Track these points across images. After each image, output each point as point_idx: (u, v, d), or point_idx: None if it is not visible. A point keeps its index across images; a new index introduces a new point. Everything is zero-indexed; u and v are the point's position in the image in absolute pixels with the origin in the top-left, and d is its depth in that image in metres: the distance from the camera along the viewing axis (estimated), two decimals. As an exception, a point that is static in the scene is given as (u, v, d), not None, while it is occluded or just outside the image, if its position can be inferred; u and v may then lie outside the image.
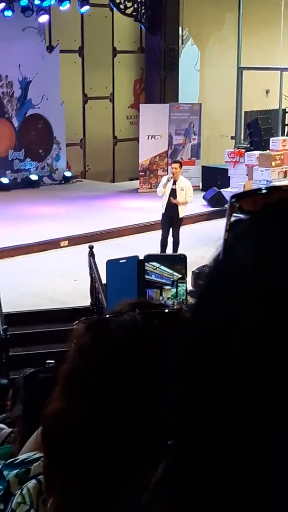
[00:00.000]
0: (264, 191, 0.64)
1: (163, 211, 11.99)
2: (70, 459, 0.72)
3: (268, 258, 0.59)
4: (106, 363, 0.84)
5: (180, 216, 11.98)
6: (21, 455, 1.11)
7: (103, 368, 0.83)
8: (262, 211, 0.63)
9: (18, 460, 1.05)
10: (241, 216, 0.66)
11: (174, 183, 11.92)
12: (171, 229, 11.92)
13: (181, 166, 12.34)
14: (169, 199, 11.87)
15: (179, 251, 11.62)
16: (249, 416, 0.56)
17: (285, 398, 0.55)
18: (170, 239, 11.95)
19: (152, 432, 0.74)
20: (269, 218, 0.62)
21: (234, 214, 0.66)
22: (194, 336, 0.63)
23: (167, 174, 16.33)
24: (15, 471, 1.03)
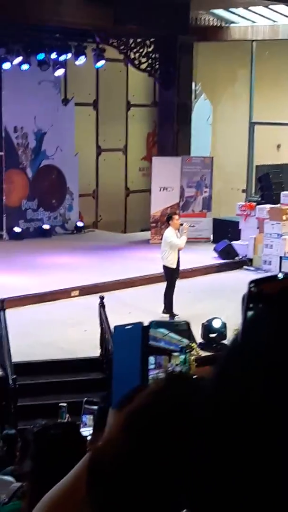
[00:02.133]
0: (280, 277, 0.68)
1: (175, 266, 12.09)
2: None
3: (282, 341, 0.64)
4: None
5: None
6: None
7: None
8: (278, 296, 0.67)
9: None
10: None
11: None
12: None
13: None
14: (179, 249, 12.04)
15: (182, 302, 11.65)
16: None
17: None
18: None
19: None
20: (285, 303, 0.66)
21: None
22: (215, 406, 0.67)
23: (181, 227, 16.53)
24: None
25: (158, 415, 0.71)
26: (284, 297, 0.67)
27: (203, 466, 0.63)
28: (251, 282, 0.70)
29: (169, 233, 12.13)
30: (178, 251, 12.07)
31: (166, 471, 0.64)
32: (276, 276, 0.69)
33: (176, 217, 12.47)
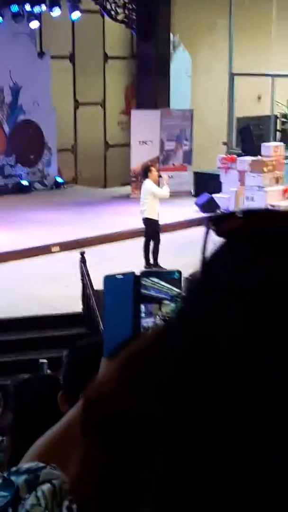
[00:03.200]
0: (239, 215, 0.68)
1: (157, 218, 12.05)
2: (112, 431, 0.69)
3: (244, 271, 0.65)
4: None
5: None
6: (22, 464, 1.11)
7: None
8: (237, 233, 0.67)
9: (23, 469, 1.06)
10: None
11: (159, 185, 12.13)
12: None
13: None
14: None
15: (165, 256, 11.64)
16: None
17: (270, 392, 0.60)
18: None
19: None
20: (244, 239, 0.66)
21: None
22: (181, 341, 0.66)
23: (159, 179, 16.36)
24: (23, 477, 1.04)
25: (155, 358, 0.71)
26: (245, 232, 0.67)
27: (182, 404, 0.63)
28: (209, 219, 0.71)
29: (150, 184, 12.02)
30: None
31: (163, 410, 0.63)
32: (234, 213, 0.69)
33: (154, 169, 12.36)
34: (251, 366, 0.61)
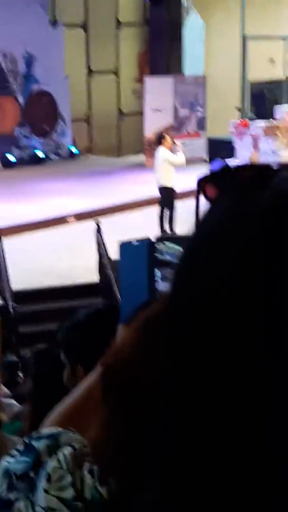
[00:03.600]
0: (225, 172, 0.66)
1: (173, 184, 12.00)
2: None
3: (236, 220, 0.60)
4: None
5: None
6: (42, 430, 1.12)
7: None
8: (228, 188, 0.65)
9: (44, 434, 1.07)
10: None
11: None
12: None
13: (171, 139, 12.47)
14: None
15: (180, 224, 11.64)
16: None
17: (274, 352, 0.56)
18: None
19: None
20: (235, 191, 0.63)
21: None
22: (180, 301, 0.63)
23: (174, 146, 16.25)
24: (43, 442, 1.04)
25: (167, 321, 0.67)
26: (235, 186, 0.64)
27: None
28: (199, 180, 0.68)
29: (164, 152, 11.97)
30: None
31: (174, 372, 0.62)
32: (221, 170, 0.66)
33: (168, 136, 12.28)
34: (260, 315, 0.56)
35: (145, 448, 0.62)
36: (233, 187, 0.64)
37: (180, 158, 11.91)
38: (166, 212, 11.92)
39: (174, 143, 12.15)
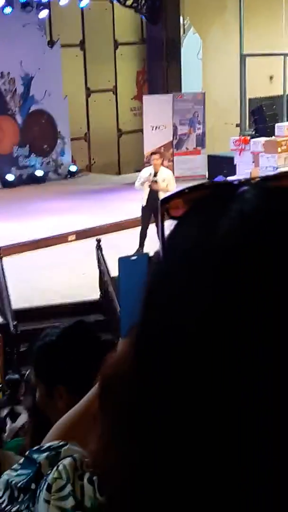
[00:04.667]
0: (186, 191, 0.66)
1: (144, 204, 11.90)
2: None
3: (205, 240, 0.59)
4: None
5: None
6: (44, 443, 1.13)
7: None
8: (188, 210, 0.64)
9: (44, 447, 1.08)
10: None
11: (155, 174, 11.86)
12: (151, 221, 11.85)
13: (160, 157, 12.31)
14: (150, 187, 11.81)
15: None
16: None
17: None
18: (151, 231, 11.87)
19: None
20: (198, 212, 0.63)
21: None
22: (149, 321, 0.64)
23: (171, 164, 16.30)
24: (44, 454, 1.06)
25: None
26: (197, 207, 0.64)
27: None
28: (162, 201, 0.68)
29: (142, 172, 12.03)
30: (152, 190, 11.79)
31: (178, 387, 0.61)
32: (183, 190, 0.67)
33: (155, 157, 12.21)
34: (225, 348, 0.56)
35: (142, 461, 0.62)
36: (194, 210, 0.64)
37: (136, 182, 12.03)
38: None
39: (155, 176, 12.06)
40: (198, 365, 0.57)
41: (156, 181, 11.75)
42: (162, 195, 11.72)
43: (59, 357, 2.38)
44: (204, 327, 0.57)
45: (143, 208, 11.90)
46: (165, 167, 12.68)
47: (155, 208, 11.72)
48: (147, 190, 11.82)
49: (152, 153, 12.44)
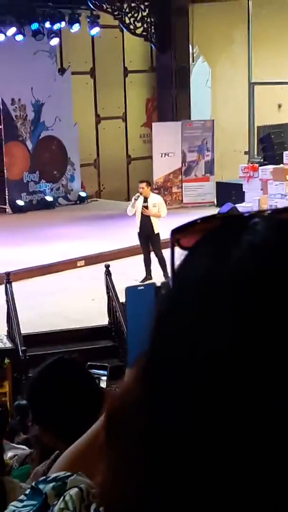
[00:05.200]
0: (199, 221, 0.66)
1: (138, 231, 12.02)
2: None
3: (214, 271, 0.60)
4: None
5: (156, 232, 11.79)
6: (50, 473, 1.13)
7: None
8: (200, 241, 0.64)
9: (51, 477, 1.07)
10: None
11: (146, 200, 11.95)
12: (151, 248, 11.87)
13: (148, 185, 12.37)
14: (141, 213, 11.89)
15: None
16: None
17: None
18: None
19: None
20: (209, 243, 0.63)
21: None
22: (156, 354, 0.63)
23: (182, 191, 16.40)
24: (51, 485, 1.04)
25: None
26: (208, 238, 0.64)
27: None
28: (173, 231, 0.67)
29: (133, 198, 12.20)
30: (144, 216, 11.85)
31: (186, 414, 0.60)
32: (195, 221, 0.66)
33: (142, 185, 12.22)
34: (245, 389, 0.55)
35: (148, 493, 0.61)
36: (206, 241, 0.63)
37: (129, 207, 12.15)
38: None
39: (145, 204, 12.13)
40: (216, 403, 0.56)
41: (147, 207, 11.86)
42: (154, 221, 11.84)
43: (40, 397, 2.35)
44: (222, 364, 0.56)
45: (138, 235, 12.05)
46: (156, 194, 12.91)
47: (149, 235, 11.85)
48: (139, 216, 11.93)
49: (140, 181, 12.46)
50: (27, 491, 1.07)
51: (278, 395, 0.55)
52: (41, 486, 1.04)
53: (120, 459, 0.67)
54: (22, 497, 1.06)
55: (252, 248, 0.59)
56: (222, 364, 0.56)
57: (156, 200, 12.15)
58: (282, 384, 0.55)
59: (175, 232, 0.67)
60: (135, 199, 11.97)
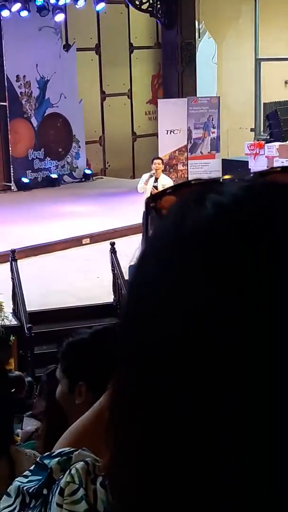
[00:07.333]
0: (169, 191, 0.66)
1: None
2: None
3: (183, 232, 0.59)
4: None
5: None
6: (55, 449, 1.12)
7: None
8: (170, 208, 0.63)
9: (55, 453, 1.07)
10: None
11: (156, 180, 11.92)
12: None
13: (163, 163, 12.35)
14: (150, 193, 11.86)
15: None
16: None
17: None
18: None
19: None
20: (175, 208, 0.62)
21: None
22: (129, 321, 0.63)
23: (187, 168, 16.32)
24: (56, 459, 1.04)
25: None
26: (181, 203, 0.62)
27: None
28: (148, 199, 0.67)
29: (143, 176, 12.26)
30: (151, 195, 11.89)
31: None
32: (169, 188, 0.67)
33: (157, 161, 12.25)
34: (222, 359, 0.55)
35: (152, 469, 0.61)
36: (173, 206, 0.63)
37: (139, 185, 12.34)
38: None
39: (154, 175, 12.18)
40: (196, 365, 0.56)
41: (156, 187, 11.83)
42: None
43: (87, 355, 2.45)
44: (196, 323, 0.56)
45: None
46: (166, 175, 12.87)
47: None
48: (148, 194, 11.90)
49: (155, 158, 12.45)
50: (32, 467, 1.06)
51: (254, 351, 0.54)
52: (46, 461, 1.04)
53: (124, 435, 0.67)
54: (27, 472, 1.06)
55: (214, 206, 0.59)
56: (196, 323, 0.56)
57: (166, 182, 12.10)
58: (256, 337, 0.54)
59: (150, 201, 0.67)
60: (151, 176, 11.93)
